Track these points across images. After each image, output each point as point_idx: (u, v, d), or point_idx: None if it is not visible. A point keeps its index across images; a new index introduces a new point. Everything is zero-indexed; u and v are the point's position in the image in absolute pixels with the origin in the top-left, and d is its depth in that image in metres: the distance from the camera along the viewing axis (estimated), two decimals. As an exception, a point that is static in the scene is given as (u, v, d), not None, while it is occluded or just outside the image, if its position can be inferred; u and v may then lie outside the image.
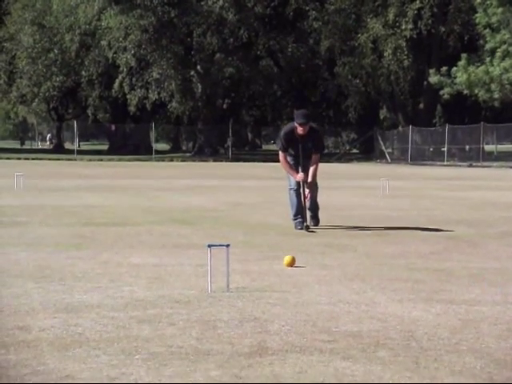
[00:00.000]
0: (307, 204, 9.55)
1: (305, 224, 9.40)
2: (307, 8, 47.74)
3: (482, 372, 3.52)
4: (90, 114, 59.23)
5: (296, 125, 9.35)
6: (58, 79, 52.80)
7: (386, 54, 45.48)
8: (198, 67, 49.93)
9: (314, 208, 9.72)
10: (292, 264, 6.39)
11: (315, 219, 9.70)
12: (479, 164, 41.34)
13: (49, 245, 7.72)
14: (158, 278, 5.84)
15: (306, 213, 9.51)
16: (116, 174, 26.61)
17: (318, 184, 9.78)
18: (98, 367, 3.56)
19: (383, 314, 4.67)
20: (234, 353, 3.80)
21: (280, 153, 9.64)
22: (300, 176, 9.44)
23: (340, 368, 3.56)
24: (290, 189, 9.65)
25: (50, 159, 43.76)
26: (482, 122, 43.75)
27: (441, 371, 3.53)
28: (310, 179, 9.46)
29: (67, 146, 67.37)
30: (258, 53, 52.23)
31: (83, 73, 51.83)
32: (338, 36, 46.69)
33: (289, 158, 9.61)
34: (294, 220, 9.56)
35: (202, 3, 46.72)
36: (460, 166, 40.80)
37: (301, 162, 9.53)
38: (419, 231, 9.28)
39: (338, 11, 46.22)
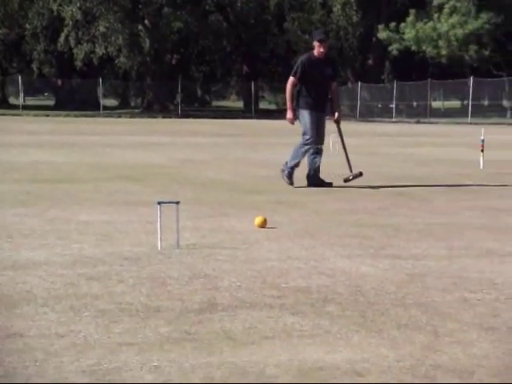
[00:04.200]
0: (317, 163, 9.29)
1: (353, 173, 9.23)
2: (256, -38, 47.22)
3: (427, 324, 3.60)
4: (35, 69, 57.91)
5: (315, 44, 9.15)
6: (0, 32, 51.42)
7: (335, 9, 45.43)
8: (146, 21, 49.14)
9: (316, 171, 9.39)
10: (263, 225, 6.22)
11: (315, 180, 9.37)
12: (426, 120, 41.81)
13: (-6, 202, 7.58)
14: (106, 236, 5.80)
15: (350, 163, 9.40)
16: (63, 129, 26.19)
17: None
18: (47, 324, 3.53)
19: (332, 270, 4.73)
20: (183, 309, 3.81)
21: (290, 78, 9.27)
22: (290, 117, 9.21)
23: (289, 323, 3.60)
24: (310, 142, 9.20)
25: (-6, 114, 42.80)
26: (429, 79, 44.15)
27: (387, 324, 3.60)
28: (338, 114, 9.43)
29: (12, 101, 65.86)
30: (207, 7, 51.61)
31: (27, 25, 50.55)
32: (287, -9, 46.35)
33: (307, 99, 9.22)
34: (289, 169, 9.21)
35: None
36: (408, 122, 41.21)
37: (319, 93, 9.24)
38: (367, 188, 9.37)
39: (287, -35, 45.85)
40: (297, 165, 9.34)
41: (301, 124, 9.40)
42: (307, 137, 9.27)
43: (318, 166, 9.41)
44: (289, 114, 9.32)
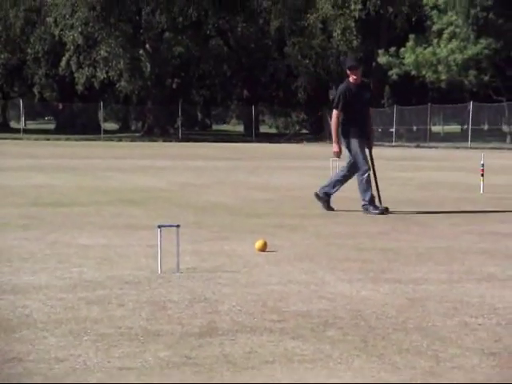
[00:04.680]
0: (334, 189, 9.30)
1: (381, 206, 9.11)
2: (257, -13, 47.60)
3: (428, 349, 3.59)
4: (36, 93, 58.21)
5: (348, 72, 9.19)
6: (2, 56, 51.76)
7: (335, 34, 45.70)
8: (147, 46, 49.45)
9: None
10: (264, 249, 6.21)
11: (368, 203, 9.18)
12: (426, 145, 41.92)
13: (-5, 226, 7.58)
14: (107, 259, 5.79)
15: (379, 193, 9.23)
16: (64, 153, 26.25)
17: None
18: (46, 349, 3.52)
19: (332, 294, 4.71)
20: (183, 333, 3.80)
21: (334, 111, 9.25)
22: (337, 150, 9.20)
23: (289, 347, 3.59)
24: (365, 171, 9.15)
25: (-5, 138, 42.89)
26: (429, 103, 44.33)
27: (388, 349, 3.58)
28: (371, 140, 9.49)
29: (13, 124, 66.12)
30: (208, 32, 51.92)
31: (29, 50, 50.86)
32: (287, 16, 46.69)
33: (353, 128, 9.18)
34: (368, 205, 9.09)
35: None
36: (408, 146, 41.29)
37: (362, 120, 9.26)
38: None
39: (287, -9, 46.22)
40: (372, 195, 9.19)
41: (350, 154, 9.33)
42: (365, 168, 9.22)
43: (334, 192, 9.45)
44: (335, 148, 9.30)
